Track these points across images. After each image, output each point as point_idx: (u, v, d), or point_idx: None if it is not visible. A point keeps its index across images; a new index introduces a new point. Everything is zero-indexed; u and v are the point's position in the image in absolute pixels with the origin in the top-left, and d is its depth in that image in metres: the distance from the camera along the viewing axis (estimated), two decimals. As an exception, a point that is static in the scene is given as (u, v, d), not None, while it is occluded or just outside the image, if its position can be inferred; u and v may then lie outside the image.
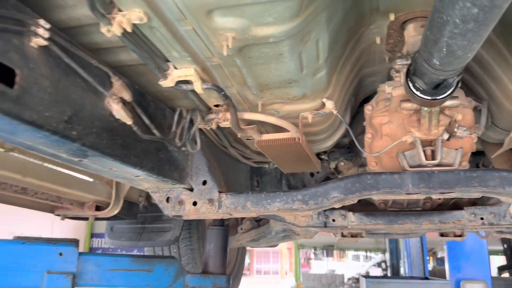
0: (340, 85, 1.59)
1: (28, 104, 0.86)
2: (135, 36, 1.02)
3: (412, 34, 1.45)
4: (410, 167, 1.41)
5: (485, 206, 2.10)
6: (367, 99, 2.08)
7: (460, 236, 2.49)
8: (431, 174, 1.35)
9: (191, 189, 1.53)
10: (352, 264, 24.78)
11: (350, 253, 23.32)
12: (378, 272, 16.72)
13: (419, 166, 1.41)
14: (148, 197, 2.15)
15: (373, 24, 1.46)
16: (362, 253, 21.35)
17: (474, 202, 2.28)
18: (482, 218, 2.07)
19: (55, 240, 1.55)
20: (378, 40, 1.54)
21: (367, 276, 8.18)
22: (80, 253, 1.57)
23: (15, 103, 0.82)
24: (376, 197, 1.46)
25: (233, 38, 1.05)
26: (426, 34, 0.95)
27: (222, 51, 1.09)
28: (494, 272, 10.63)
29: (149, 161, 1.29)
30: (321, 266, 25.47)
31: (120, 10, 0.92)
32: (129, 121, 1.13)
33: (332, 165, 2.45)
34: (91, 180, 1.89)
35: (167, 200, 1.54)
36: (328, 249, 18.55)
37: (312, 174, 2.79)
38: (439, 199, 2.22)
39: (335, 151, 2.36)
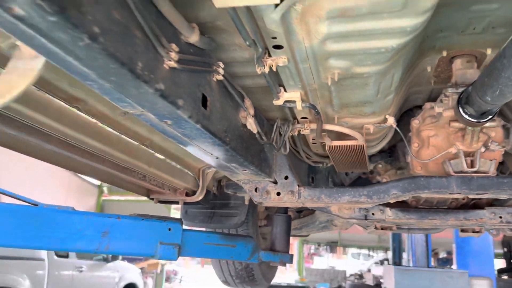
0: (397, 102, 1.98)
1: (212, 120, 1.25)
2: (271, 70, 1.41)
3: (459, 67, 1.84)
4: (454, 172, 1.80)
5: (504, 207, 2.49)
6: (406, 111, 2.49)
7: (478, 232, 2.90)
8: (471, 179, 1.74)
9: (275, 182, 1.93)
10: (352, 261, 25.28)
11: (351, 251, 23.83)
12: (380, 270, 17.15)
13: (461, 172, 1.80)
14: (218, 186, 2.54)
15: (428, 57, 1.85)
16: (364, 251, 21.81)
17: (491, 203, 2.66)
18: (500, 217, 2.45)
19: (165, 218, 1.95)
20: (429, 69, 1.93)
21: (394, 264, 8.55)
22: (184, 230, 1.97)
23: (207, 120, 1.22)
24: (425, 195, 1.86)
25: (338, 73, 1.45)
26: (484, 80, 1.34)
27: (327, 81, 1.48)
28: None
29: (256, 159, 1.68)
30: (322, 262, 25.97)
31: (270, 56, 1.31)
32: (255, 130, 1.52)
33: (371, 167, 2.84)
34: (187, 171, 2.29)
35: (256, 190, 1.94)
36: (332, 245, 18.93)
37: (346, 174, 3.18)
38: (463, 199, 2.61)
39: (376, 154, 2.75)
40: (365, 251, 21.71)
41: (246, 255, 2.09)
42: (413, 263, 8.99)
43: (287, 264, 2.42)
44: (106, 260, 8.84)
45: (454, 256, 5.71)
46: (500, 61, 1.19)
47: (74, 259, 7.94)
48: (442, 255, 17.10)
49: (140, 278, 10.69)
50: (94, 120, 1.70)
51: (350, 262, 25.10)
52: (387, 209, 2.59)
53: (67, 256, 7.69)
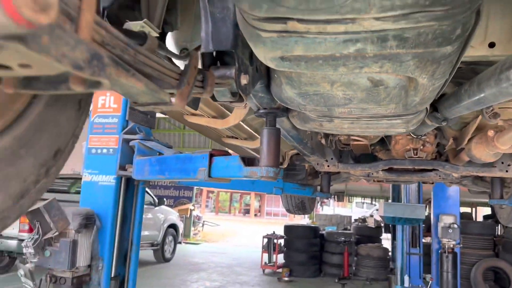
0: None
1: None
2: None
3: None
4: (408, 157, 3.99)
5: (440, 171, 4.71)
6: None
7: (432, 183, 5.18)
8: (414, 160, 3.94)
9: (326, 160, 4.16)
10: (356, 210, 28.04)
11: (356, 200, 26.50)
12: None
13: (411, 157, 3.99)
14: (290, 159, 4.73)
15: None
16: (367, 200, 24.41)
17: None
18: (439, 176, 4.67)
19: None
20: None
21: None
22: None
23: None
24: (396, 167, 4.08)
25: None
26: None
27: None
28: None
29: (320, 152, 3.91)
30: (329, 209, 28.77)
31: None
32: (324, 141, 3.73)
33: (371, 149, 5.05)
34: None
35: (317, 164, 4.17)
36: (339, 195, 21.36)
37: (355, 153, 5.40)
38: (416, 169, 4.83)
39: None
40: (368, 200, 24.23)
41: (309, 193, 4.30)
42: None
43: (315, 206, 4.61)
44: (153, 204, 10.48)
45: (432, 200, 8.02)
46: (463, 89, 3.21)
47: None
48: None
49: (179, 221, 12.51)
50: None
51: (354, 210, 27.87)
52: (380, 171, 4.83)
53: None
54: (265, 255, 11.13)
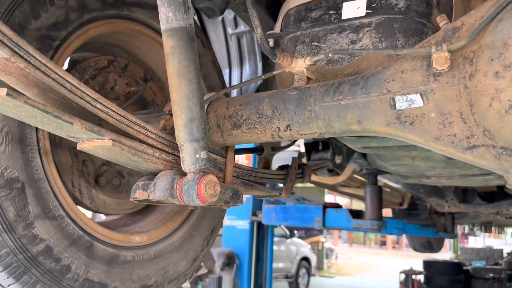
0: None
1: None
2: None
3: None
4: None
5: None
6: None
7: None
8: None
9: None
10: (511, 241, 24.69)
11: (510, 230, 23.43)
12: (540, 249, 17.13)
13: None
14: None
15: None
16: (522, 231, 21.45)
17: None
18: None
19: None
20: None
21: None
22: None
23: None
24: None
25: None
26: None
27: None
28: None
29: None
30: (477, 241, 25.95)
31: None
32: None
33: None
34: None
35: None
36: (486, 226, 19.31)
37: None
38: None
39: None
40: (525, 231, 21.31)
41: (432, 234, 4.38)
42: None
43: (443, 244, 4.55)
44: (285, 237, 10.84)
45: None
46: None
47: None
48: None
49: (311, 253, 12.65)
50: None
51: (509, 241, 24.63)
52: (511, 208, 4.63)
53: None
54: (404, 292, 10.75)
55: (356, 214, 2.60)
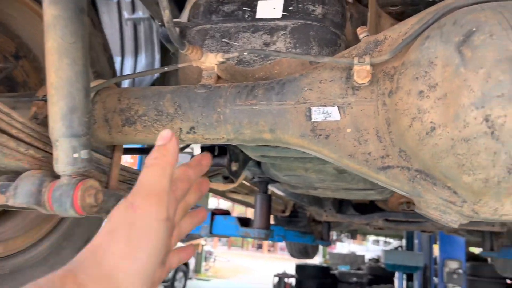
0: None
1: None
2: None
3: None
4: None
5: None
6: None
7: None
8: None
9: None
10: (372, 247, 27.62)
11: (371, 238, 26.17)
12: (394, 254, 19.40)
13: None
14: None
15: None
16: (382, 238, 24.12)
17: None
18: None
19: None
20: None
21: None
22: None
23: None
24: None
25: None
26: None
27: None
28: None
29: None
30: (343, 247, 28.44)
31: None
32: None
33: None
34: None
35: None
36: (353, 233, 21.16)
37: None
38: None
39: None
40: (382, 238, 23.95)
41: (310, 241, 4.57)
42: (418, 249, 11.32)
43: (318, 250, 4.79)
44: None
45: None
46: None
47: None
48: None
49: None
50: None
51: (370, 248, 27.49)
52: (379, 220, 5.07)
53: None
54: (277, 295, 11.18)
55: (245, 222, 2.55)
